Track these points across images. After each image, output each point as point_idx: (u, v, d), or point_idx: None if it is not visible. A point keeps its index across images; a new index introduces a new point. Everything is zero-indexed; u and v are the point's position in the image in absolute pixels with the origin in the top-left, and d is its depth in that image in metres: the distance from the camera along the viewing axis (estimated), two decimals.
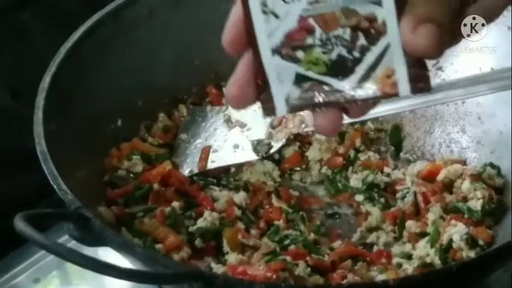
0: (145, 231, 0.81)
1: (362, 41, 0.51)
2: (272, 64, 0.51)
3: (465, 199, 0.86)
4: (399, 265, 0.81)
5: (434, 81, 0.90)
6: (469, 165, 0.91)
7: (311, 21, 0.51)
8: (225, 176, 0.93)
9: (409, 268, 0.80)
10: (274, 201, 0.89)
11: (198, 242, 0.82)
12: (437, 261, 0.80)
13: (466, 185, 0.87)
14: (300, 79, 0.52)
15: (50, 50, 0.85)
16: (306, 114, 0.85)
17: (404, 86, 0.51)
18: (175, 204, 0.84)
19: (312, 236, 0.84)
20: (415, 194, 0.87)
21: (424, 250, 0.81)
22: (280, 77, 0.52)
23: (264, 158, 0.93)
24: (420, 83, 0.51)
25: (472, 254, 0.79)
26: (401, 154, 0.97)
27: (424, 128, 0.97)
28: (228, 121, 0.96)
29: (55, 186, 0.71)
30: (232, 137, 0.95)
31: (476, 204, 0.84)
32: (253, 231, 0.85)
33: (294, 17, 0.51)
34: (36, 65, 0.83)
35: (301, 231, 0.85)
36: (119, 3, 0.92)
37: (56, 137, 0.77)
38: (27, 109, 0.79)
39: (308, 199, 0.92)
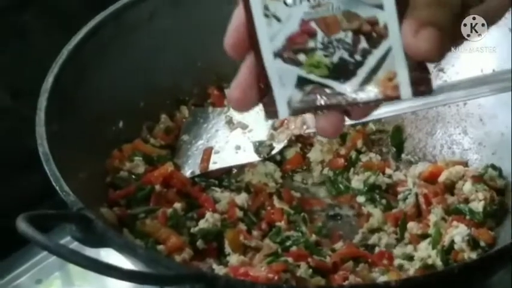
0: (147, 233, 0.81)
1: (364, 44, 0.51)
2: (274, 67, 0.52)
3: (467, 200, 0.86)
4: (401, 266, 0.81)
5: (436, 82, 0.91)
6: (471, 167, 0.91)
7: (313, 24, 0.51)
8: (226, 177, 0.93)
9: (410, 269, 0.81)
10: (276, 202, 0.89)
11: (199, 243, 0.82)
12: (439, 263, 0.80)
13: (467, 186, 0.87)
14: (302, 82, 0.52)
15: (50, 50, 0.85)
16: (307, 115, 0.85)
17: (405, 89, 0.51)
18: (177, 205, 0.84)
19: (314, 237, 0.84)
20: (416, 195, 0.87)
21: (425, 251, 0.82)
22: (282, 80, 0.52)
23: (265, 159, 0.93)
24: (422, 86, 0.51)
25: (473, 256, 0.79)
26: (403, 155, 0.97)
27: (426, 130, 0.97)
28: (230, 122, 0.96)
29: (57, 188, 0.71)
30: (234, 138, 0.95)
31: (477, 206, 0.84)
32: (254, 233, 0.85)
33: (295, 21, 0.51)
34: (37, 65, 0.83)
35: (303, 232, 0.85)
36: (120, 4, 0.92)
37: (58, 138, 0.77)
38: (27, 109, 0.79)
39: (310, 200, 0.92)
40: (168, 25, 0.96)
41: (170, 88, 0.98)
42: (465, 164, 0.92)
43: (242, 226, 0.85)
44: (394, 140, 0.98)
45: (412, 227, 0.85)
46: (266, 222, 0.86)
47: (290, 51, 0.51)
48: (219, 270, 0.78)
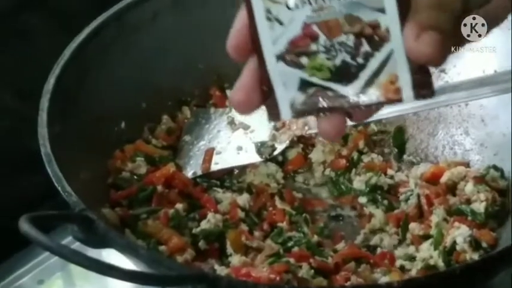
0: (149, 233, 0.81)
1: (366, 47, 0.51)
2: (277, 70, 0.52)
3: (468, 201, 0.86)
4: (402, 267, 0.81)
5: (438, 83, 0.91)
6: (473, 168, 0.91)
7: (315, 28, 0.51)
8: (228, 178, 0.93)
9: (412, 270, 0.81)
10: (278, 203, 0.89)
11: (201, 243, 0.82)
12: (440, 264, 0.80)
13: (469, 187, 0.86)
14: (304, 85, 0.52)
15: (52, 51, 0.85)
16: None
17: (407, 92, 0.51)
18: (179, 206, 0.84)
19: (316, 238, 0.84)
20: (418, 196, 0.87)
21: (427, 252, 0.82)
22: (285, 83, 0.52)
23: (267, 160, 0.93)
24: (423, 89, 0.51)
25: (475, 256, 0.79)
26: (405, 156, 0.97)
27: (428, 130, 0.97)
28: (232, 123, 0.96)
29: (59, 188, 0.71)
30: (235, 139, 0.95)
31: (479, 207, 0.84)
32: (256, 233, 0.85)
33: (298, 24, 0.51)
34: (39, 66, 0.83)
35: (305, 233, 0.85)
36: (123, 5, 0.92)
37: (60, 139, 0.77)
38: (29, 110, 0.79)
39: (311, 201, 0.92)
40: (171, 26, 0.96)
41: (172, 89, 0.98)
42: (467, 164, 0.92)
43: (244, 227, 0.85)
44: (396, 140, 0.98)
45: (414, 227, 0.85)
46: (268, 223, 0.86)
47: (292, 54, 0.51)
48: (221, 270, 0.78)
